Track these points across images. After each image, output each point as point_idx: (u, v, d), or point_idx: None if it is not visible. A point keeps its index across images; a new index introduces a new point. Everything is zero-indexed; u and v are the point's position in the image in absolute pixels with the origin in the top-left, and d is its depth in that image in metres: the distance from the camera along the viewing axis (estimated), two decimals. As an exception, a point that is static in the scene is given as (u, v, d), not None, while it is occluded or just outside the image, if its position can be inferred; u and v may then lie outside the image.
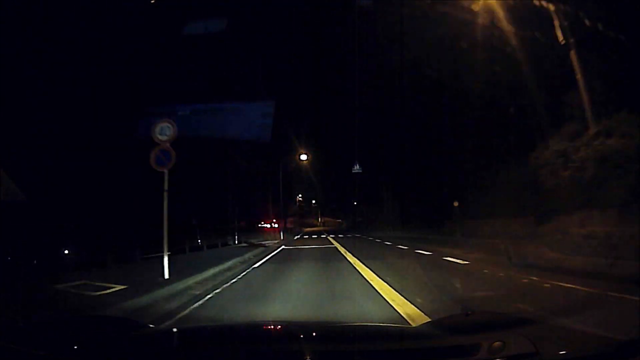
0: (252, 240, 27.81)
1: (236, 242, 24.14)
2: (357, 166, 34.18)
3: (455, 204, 24.26)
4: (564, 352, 1.57)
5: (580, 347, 1.64)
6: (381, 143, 37.25)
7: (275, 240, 29.59)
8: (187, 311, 5.76)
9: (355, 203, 76.57)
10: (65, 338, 1.88)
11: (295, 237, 35.01)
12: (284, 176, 53.99)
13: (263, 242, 26.29)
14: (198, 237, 25.54)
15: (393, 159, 36.44)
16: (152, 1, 12.12)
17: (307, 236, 36.79)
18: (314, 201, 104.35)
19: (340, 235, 35.05)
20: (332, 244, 21.89)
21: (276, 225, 42.53)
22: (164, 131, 9.18)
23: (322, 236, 35.46)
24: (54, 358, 1.59)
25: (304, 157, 33.79)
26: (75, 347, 1.73)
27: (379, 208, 42.91)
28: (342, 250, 17.10)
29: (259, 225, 41.49)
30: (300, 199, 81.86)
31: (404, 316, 4.85)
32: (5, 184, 6.26)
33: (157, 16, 13.75)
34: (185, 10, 14.30)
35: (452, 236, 23.69)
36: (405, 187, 35.40)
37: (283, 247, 21.02)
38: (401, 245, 18.81)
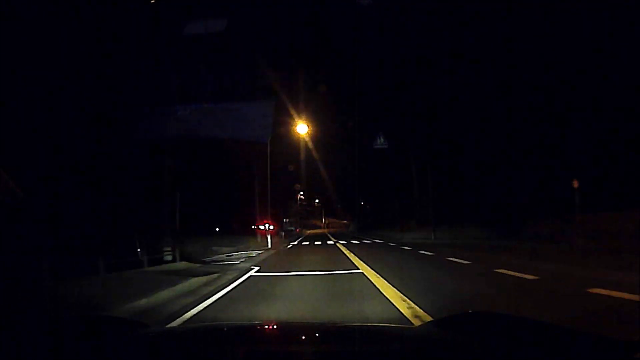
0: (217, 251, 17.62)
1: (176, 259, 13.52)
2: (381, 139, 23.66)
3: (576, 184, 13.83)
4: (563, 351, 1.56)
5: (579, 347, 1.59)
6: (410, 111, 26.88)
7: (257, 250, 19.20)
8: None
9: (362, 203, 66.31)
10: (66, 338, 1.87)
11: (291, 245, 24.43)
12: (281, 168, 44.42)
13: (231, 256, 16.06)
14: (137, 247, 15.20)
15: (431, 132, 25.90)
16: (152, 1, 11.49)
17: (307, 242, 26.16)
18: (317, 200, 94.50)
19: (353, 242, 24.52)
20: (354, 265, 11.24)
21: (271, 227, 36.19)
22: None
23: (329, 242, 24.92)
24: (54, 358, 1.61)
25: (302, 129, 23.43)
26: (76, 347, 1.73)
27: (402, 204, 32.29)
28: (389, 292, 6.58)
29: (253, 227, 33.78)
30: (301, 196, 71.42)
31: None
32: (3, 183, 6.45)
33: (157, 16, 13.48)
34: (185, 10, 13.97)
35: (556, 242, 13.20)
36: (449, 174, 24.95)
37: (253, 272, 10.37)
38: (519, 271, 8.35)
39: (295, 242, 26.60)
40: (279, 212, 48.56)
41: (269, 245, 21.67)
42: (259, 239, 25.77)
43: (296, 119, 23.28)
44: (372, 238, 28.44)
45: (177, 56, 15.43)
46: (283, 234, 36.20)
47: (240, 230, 31.25)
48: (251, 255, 16.36)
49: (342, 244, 21.93)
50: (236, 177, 30.80)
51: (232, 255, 17.22)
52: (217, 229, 34.17)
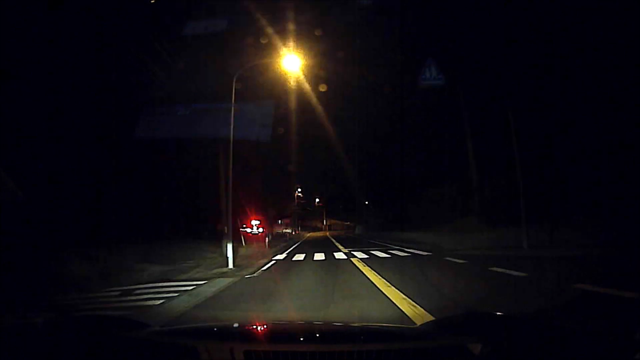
0: (137, 273, 8.41)
1: None
2: (433, 71, 13.42)
3: None
4: (563, 351, 1.56)
5: (578, 347, 1.61)
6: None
7: (200, 279, 9.54)
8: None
9: (367, 202, 56.40)
10: (66, 338, 1.85)
11: (273, 261, 14.36)
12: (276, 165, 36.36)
13: (126, 296, 6.23)
14: None
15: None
16: (152, 1, 11.48)
17: (302, 256, 15.91)
18: (317, 200, 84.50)
19: (377, 254, 14.77)
20: None
21: (260, 230, 29.99)
22: None
23: (338, 255, 15.06)
24: (54, 358, 1.65)
25: (292, 63, 13.61)
26: (75, 347, 1.74)
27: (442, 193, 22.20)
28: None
29: (240, 229, 28.31)
30: (299, 194, 61.57)
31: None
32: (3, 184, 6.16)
33: (157, 16, 13.71)
34: (185, 10, 14.08)
35: None
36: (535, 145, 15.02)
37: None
38: None
39: (283, 255, 16.63)
40: (269, 213, 39.52)
41: (230, 265, 11.85)
42: (224, 248, 16.08)
43: (282, 47, 13.56)
44: (400, 245, 18.59)
45: (177, 56, 15.03)
46: (269, 238, 26.68)
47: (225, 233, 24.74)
48: (161, 298, 6.63)
49: (362, 260, 12.24)
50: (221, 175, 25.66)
51: (135, 292, 7.66)
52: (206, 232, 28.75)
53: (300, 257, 14.94)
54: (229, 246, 12.01)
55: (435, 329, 2.23)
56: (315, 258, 14.10)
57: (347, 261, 12.42)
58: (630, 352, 1.43)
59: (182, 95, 14.79)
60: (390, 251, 15.72)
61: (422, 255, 13.89)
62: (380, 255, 13.91)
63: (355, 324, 3.38)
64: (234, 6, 15.25)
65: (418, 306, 5.21)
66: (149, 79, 15.34)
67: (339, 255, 14.88)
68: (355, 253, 15.17)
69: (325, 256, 14.58)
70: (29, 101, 12.74)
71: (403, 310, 5.11)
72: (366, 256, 13.71)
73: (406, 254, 14.21)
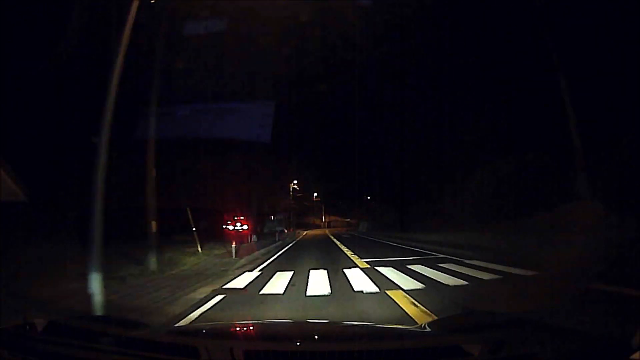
0: None
1: None
2: None
3: None
4: (561, 352, 1.54)
5: (576, 347, 1.60)
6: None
7: None
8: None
9: (369, 197, 49.57)
10: (65, 338, 1.80)
11: (194, 311, 7.05)
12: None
13: None
14: None
15: None
16: (152, 1, 10.68)
17: (281, 281, 8.64)
18: (315, 194, 77.37)
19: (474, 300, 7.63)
20: None
21: (245, 227, 26.34)
22: None
23: (360, 283, 7.82)
24: (54, 358, 1.58)
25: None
26: (76, 347, 1.70)
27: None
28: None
29: (224, 226, 26.03)
30: (295, 186, 54.33)
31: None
32: (5, 184, 6.27)
33: (156, 15, 13.21)
34: (185, 9, 13.72)
35: None
36: None
37: None
38: None
39: (251, 276, 9.28)
40: (256, 209, 33.27)
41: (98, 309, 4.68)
42: (149, 256, 8.99)
43: None
44: (446, 254, 11.50)
45: (177, 56, 15.05)
46: (254, 238, 20.32)
47: (214, 231, 22.57)
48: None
49: (418, 300, 5.16)
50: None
51: None
52: (194, 229, 26.81)
53: (279, 283, 7.67)
54: (95, 275, 4.80)
55: (435, 328, 2.19)
56: (309, 289, 6.86)
57: (385, 300, 5.34)
58: (627, 352, 1.38)
59: (182, 95, 14.57)
60: (442, 265, 8.66)
61: (524, 276, 6.79)
62: (445, 282, 6.77)
63: (356, 324, 3.29)
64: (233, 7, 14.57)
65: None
66: (148, 79, 15.04)
67: (357, 277, 7.73)
68: (385, 272, 8.07)
69: (329, 281, 7.42)
70: (28, 101, 12.45)
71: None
72: (417, 284, 6.60)
73: (492, 276, 7.09)
